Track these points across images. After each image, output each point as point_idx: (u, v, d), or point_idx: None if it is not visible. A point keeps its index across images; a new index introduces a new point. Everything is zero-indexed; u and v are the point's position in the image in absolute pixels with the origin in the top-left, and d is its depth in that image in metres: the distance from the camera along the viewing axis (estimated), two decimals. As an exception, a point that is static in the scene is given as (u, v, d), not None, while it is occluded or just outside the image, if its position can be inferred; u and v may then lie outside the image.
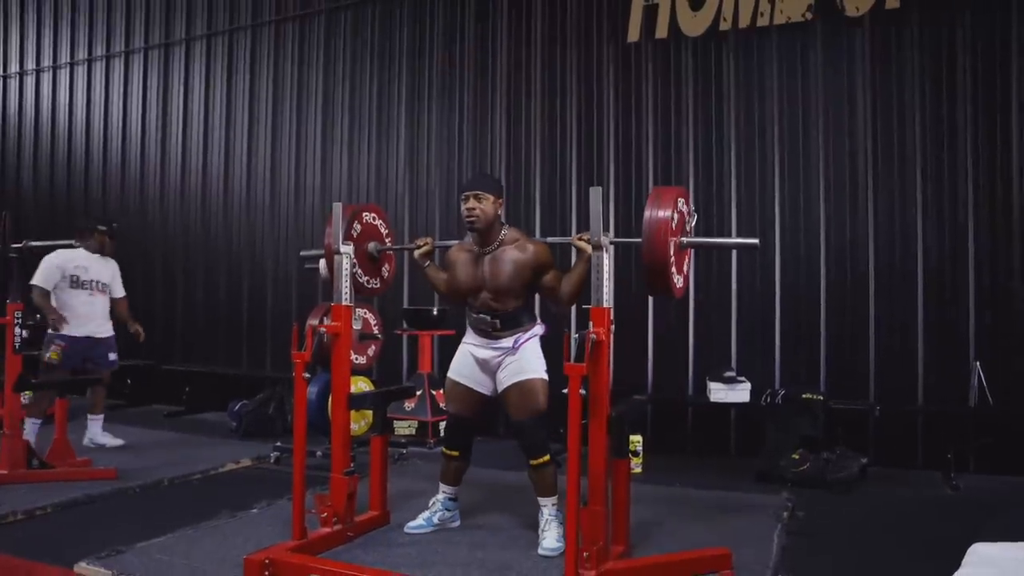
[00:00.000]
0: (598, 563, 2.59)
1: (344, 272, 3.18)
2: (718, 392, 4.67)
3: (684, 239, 2.81)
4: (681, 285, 2.87)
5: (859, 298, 4.79)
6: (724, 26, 5.11)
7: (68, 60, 8.01)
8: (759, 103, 5.07)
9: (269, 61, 6.80)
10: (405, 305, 5.89)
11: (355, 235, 3.31)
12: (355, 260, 3.28)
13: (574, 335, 2.53)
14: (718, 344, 5.08)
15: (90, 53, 7.86)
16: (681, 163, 5.24)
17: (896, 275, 4.72)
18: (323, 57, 6.54)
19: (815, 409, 4.42)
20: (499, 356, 3.16)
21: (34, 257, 4.59)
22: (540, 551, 2.97)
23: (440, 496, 3.32)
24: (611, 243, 2.76)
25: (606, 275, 2.69)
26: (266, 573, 2.67)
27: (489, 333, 3.16)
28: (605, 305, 2.66)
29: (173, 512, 3.54)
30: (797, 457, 4.23)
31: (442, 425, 4.97)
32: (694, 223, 2.87)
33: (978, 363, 4.41)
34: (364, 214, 3.41)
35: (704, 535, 3.20)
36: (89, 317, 4.90)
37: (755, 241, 2.97)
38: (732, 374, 4.74)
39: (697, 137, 5.22)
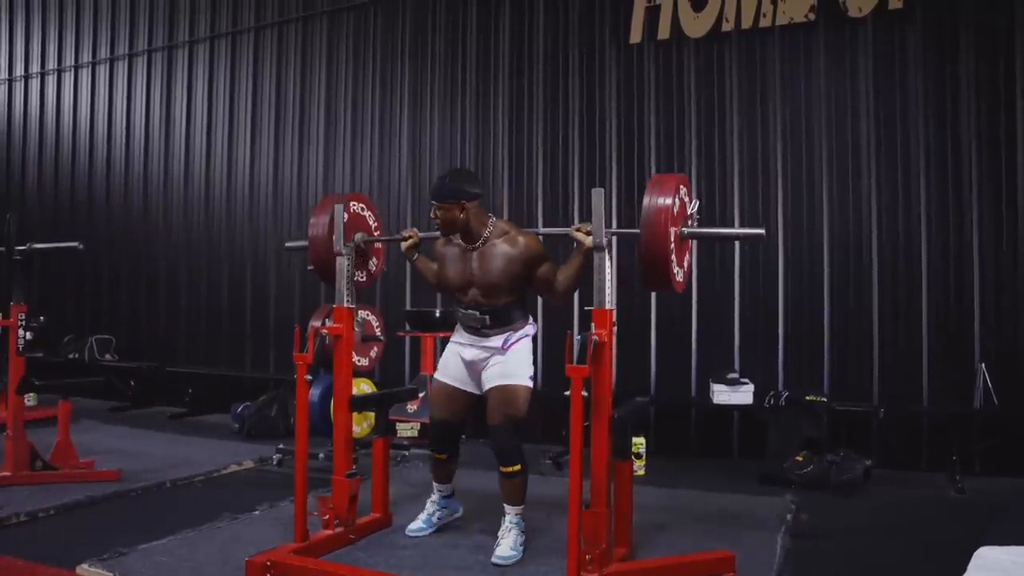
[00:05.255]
0: (601, 566, 2.58)
1: (345, 273, 3.18)
2: (721, 394, 4.66)
3: (685, 229, 2.71)
4: (682, 279, 2.77)
5: (863, 299, 4.77)
6: (727, 27, 5.09)
7: (73, 63, 8.04)
8: (761, 104, 5.05)
9: (272, 63, 6.81)
10: (407, 307, 5.89)
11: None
12: None
13: (577, 336, 2.52)
14: (721, 345, 5.07)
15: (94, 56, 7.88)
16: (684, 166, 5.22)
17: (900, 276, 4.71)
18: (326, 58, 6.55)
19: (819, 411, 4.42)
20: (487, 356, 3.07)
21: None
22: (493, 559, 2.91)
23: (435, 496, 3.29)
24: (613, 234, 2.73)
25: (608, 277, 2.67)
26: (268, 575, 2.67)
27: (478, 330, 3.06)
28: (608, 307, 2.65)
29: (175, 514, 3.55)
30: (801, 459, 4.21)
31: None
32: (697, 212, 2.77)
33: (983, 364, 4.40)
34: (352, 204, 3.34)
35: (707, 538, 3.19)
36: None
37: (761, 231, 2.87)
38: (735, 376, 4.72)
39: (700, 139, 5.21)
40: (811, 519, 3.54)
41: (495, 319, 3.03)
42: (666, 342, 5.23)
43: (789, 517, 3.51)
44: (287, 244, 3.83)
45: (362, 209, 3.40)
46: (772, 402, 4.58)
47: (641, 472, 4.43)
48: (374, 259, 3.50)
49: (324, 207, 3.34)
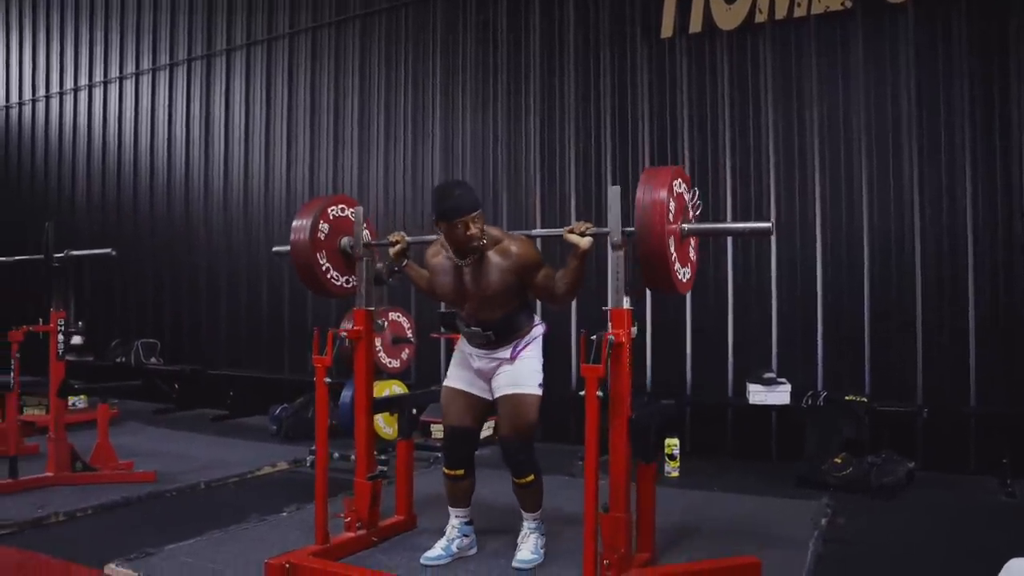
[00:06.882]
0: (620, 571, 2.53)
1: (364, 276, 3.17)
2: (757, 394, 4.54)
3: (686, 226, 2.58)
4: (688, 279, 2.66)
5: (905, 294, 4.60)
6: (760, 18, 4.97)
7: (118, 74, 8.26)
8: (797, 97, 4.91)
9: (306, 68, 6.90)
10: (441, 308, 5.88)
11: (323, 236, 3.18)
12: (326, 263, 3.20)
13: (592, 337, 2.47)
14: (758, 344, 4.93)
15: (137, 67, 8.09)
16: (718, 162, 5.11)
17: (945, 270, 4.52)
18: (359, 61, 6.60)
19: (859, 411, 4.27)
20: (496, 365, 2.92)
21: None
22: (514, 563, 2.86)
23: (455, 521, 3.02)
24: (596, 232, 2.62)
25: (622, 275, 2.58)
26: (287, 577, 2.68)
27: (485, 345, 2.92)
28: (625, 307, 2.58)
29: (206, 515, 3.59)
30: (840, 461, 4.07)
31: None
32: (697, 206, 2.64)
33: (1035, 362, 4.20)
34: (330, 208, 3.23)
35: (737, 542, 3.09)
36: None
37: (767, 225, 2.71)
38: (772, 375, 4.60)
39: (734, 133, 5.08)
40: (848, 523, 3.42)
41: (500, 334, 2.87)
42: (701, 341, 5.12)
43: (824, 521, 3.40)
44: (275, 249, 3.49)
45: (342, 210, 3.28)
46: (810, 402, 4.45)
47: (675, 474, 4.35)
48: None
49: (305, 211, 3.24)
